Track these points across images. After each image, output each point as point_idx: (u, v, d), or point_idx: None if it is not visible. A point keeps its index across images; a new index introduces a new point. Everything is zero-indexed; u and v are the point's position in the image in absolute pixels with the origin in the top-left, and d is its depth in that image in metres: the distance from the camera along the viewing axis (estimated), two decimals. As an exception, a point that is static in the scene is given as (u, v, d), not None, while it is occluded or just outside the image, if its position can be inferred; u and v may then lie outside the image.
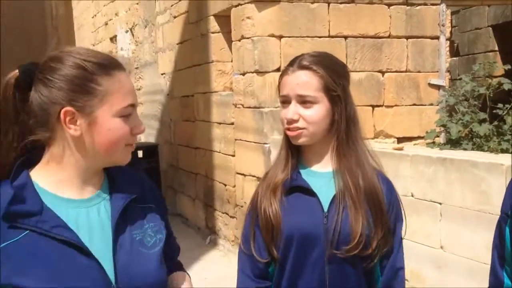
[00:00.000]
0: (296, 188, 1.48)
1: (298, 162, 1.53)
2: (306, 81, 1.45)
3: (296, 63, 1.49)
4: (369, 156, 1.51)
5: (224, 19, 5.51)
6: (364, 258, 1.43)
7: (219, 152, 5.77)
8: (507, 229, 1.35)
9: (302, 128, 1.46)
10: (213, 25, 5.74)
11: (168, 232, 1.31)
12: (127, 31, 9.14)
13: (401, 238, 1.52)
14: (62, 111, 1.12)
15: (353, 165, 1.46)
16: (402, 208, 1.54)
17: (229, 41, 5.44)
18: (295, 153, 1.54)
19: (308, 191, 1.47)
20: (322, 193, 1.46)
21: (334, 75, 1.48)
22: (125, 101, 1.16)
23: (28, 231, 1.08)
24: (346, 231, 1.42)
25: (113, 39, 10.10)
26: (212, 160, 5.94)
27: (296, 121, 1.46)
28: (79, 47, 1.22)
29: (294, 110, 1.46)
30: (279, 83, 1.52)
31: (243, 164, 5.16)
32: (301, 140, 1.48)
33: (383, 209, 1.45)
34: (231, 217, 5.56)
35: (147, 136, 8.43)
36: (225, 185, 5.66)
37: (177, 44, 6.85)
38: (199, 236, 6.25)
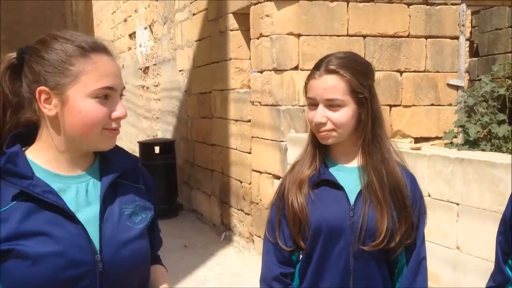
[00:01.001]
0: (324, 182, 1.54)
1: (325, 157, 1.58)
2: (333, 86, 1.48)
3: (322, 66, 1.51)
4: (393, 153, 1.55)
5: (243, 17, 5.54)
6: (387, 250, 1.49)
7: (236, 149, 5.80)
8: None
9: (331, 130, 1.51)
10: (232, 22, 5.77)
11: (154, 225, 1.34)
12: (146, 28, 9.22)
13: (424, 232, 1.57)
14: (37, 90, 1.16)
15: (378, 163, 1.50)
16: (424, 204, 1.59)
17: (248, 39, 5.47)
18: (322, 149, 1.58)
19: (335, 185, 1.52)
20: (349, 187, 1.52)
21: (360, 77, 1.51)
22: (99, 83, 1.16)
23: (16, 202, 1.12)
24: (371, 227, 1.47)
25: (132, 35, 10.19)
26: (229, 157, 5.97)
27: (325, 124, 1.51)
28: (67, 30, 1.23)
29: (322, 113, 1.50)
30: (306, 85, 1.56)
31: (259, 161, 5.18)
32: (330, 141, 1.53)
33: (407, 204, 1.50)
34: (246, 214, 5.59)
35: (164, 132, 8.50)
36: (241, 182, 5.69)
37: (196, 41, 6.90)
38: (214, 233, 6.29)
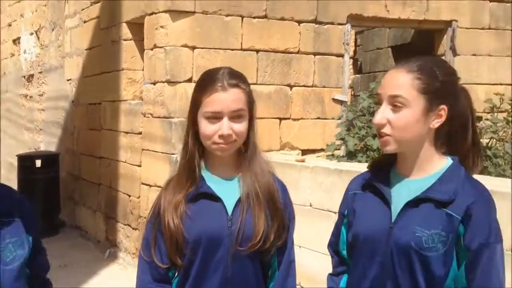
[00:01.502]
0: (202, 195, 1.56)
1: (203, 170, 1.59)
2: (238, 98, 1.55)
3: (224, 81, 1.54)
4: (265, 163, 1.62)
5: (137, 26, 5.42)
6: (262, 252, 1.55)
7: (125, 162, 5.62)
8: (343, 228, 1.52)
9: (234, 141, 1.55)
10: (125, 32, 5.62)
11: (36, 249, 1.29)
12: (32, 34, 8.68)
13: (293, 237, 1.65)
14: None
15: (254, 173, 1.57)
16: (293, 210, 1.66)
17: (141, 49, 5.35)
18: (199, 162, 1.59)
19: (214, 197, 1.56)
20: (227, 198, 1.56)
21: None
22: None
23: None
24: (249, 231, 1.52)
25: (16, 41, 9.55)
26: (117, 170, 5.77)
27: (231, 135, 1.55)
28: None
29: (227, 125, 1.55)
30: (200, 99, 1.56)
31: (149, 174, 5.06)
32: (227, 153, 1.57)
33: (279, 208, 1.58)
34: (133, 229, 5.42)
35: (48, 144, 8.00)
36: (129, 195, 5.51)
37: (86, 49, 6.61)
38: (98, 250, 6.01)
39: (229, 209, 1.54)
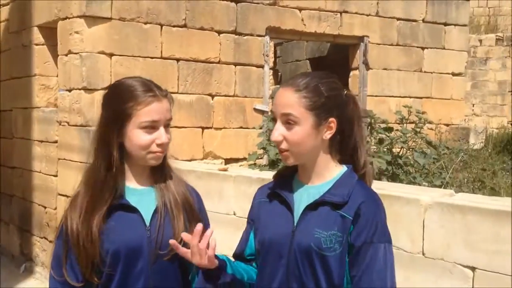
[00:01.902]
0: (119, 207, 1.55)
1: (119, 181, 1.57)
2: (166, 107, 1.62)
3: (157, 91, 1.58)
4: (175, 170, 1.67)
5: (49, 31, 5.22)
6: (182, 257, 1.55)
7: (40, 172, 5.37)
8: (252, 234, 1.60)
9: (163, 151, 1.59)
10: (37, 36, 5.39)
11: None
12: None
13: None
14: None
15: (169, 181, 1.62)
16: (207, 216, 1.72)
17: (55, 55, 5.15)
18: (114, 174, 1.56)
19: (130, 208, 1.55)
20: (144, 208, 1.57)
21: None
22: None
23: None
24: (168, 233, 1.54)
25: None
26: (31, 180, 5.50)
27: (163, 145, 1.60)
28: None
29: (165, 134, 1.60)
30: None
31: (66, 185, 4.87)
32: (156, 161, 1.60)
33: (195, 210, 1.64)
34: (50, 242, 5.18)
35: (-46, 153, 7.44)
36: (45, 207, 5.27)
37: (-6, 53, 6.25)
38: (13, 265, 5.71)
39: (147, 219, 1.55)
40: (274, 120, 1.48)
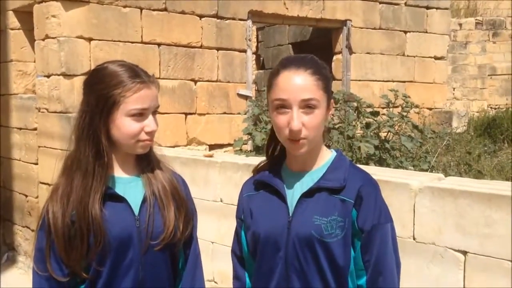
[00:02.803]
0: (106, 197, 1.49)
1: (112, 171, 1.53)
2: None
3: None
4: (160, 158, 1.62)
5: (25, 15, 5.06)
6: (173, 245, 1.54)
7: (19, 160, 5.25)
8: (242, 233, 1.54)
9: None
10: (12, 20, 5.23)
11: None
12: None
13: (197, 231, 1.67)
14: None
15: (158, 167, 1.58)
16: (193, 203, 1.68)
17: (32, 40, 5.01)
18: (102, 163, 1.50)
19: (117, 198, 1.50)
20: (131, 197, 1.51)
21: None
22: None
23: None
24: (159, 223, 1.51)
25: None
26: (11, 169, 5.38)
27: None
28: None
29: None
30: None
31: (47, 173, 4.77)
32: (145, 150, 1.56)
33: (183, 197, 1.60)
34: (32, 230, 5.09)
35: None
36: (26, 196, 5.17)
37: (-32, 38, 6.05)
38: (-5, 255, 5.60)
39: (135, 209, 1.51)
40: (283, 107, 1.38)
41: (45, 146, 4.81)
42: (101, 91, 1.46)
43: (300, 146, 1.40)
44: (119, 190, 1.51)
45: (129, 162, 1.55)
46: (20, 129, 5.22)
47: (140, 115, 1.47)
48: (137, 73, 1.49)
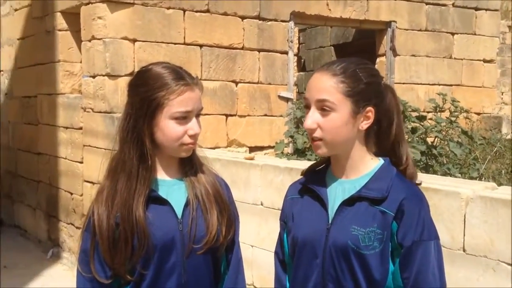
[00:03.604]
0: (149, 199, 1.49)
1: (152, 172, 1.51)
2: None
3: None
4: (203, 160, 1.61)
5: (73, 16, 5.18)
6: (216, 249, 1.53)
7: (65, 158, 5.39)
8: (285, 236, 1.52)
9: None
10: (60, 22, 5.36)
11: None
12: (-43, 20, 8.10)
13: (239, 235, 1.65)
14: None
15: (201, 171, 1.56)
16: (236, 207, 1.66)
17: (78, 41, 5.13)
18: (147, 166, 1.50)
19: (162, 201, 1.50)
20: (174, 200, 1.51)
21: None
22: None
23: None
24: (202, 227, 1.50)
25: None
26: (57, 166, 5.52)
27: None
28: None
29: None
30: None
31: (92, 172, 4.87)
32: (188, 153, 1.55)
33: (226, 201, 1.58)
34: (77, 228, 5.21)
35: (-20, 139, 7.54)
36: (71, 193, 5.30)
37: (18, 39, 6.26)
38: (40, 250, 5.76)
39: (178, 212, 1.50)
40: (306, 107, 1.40)
41: (89, 145, 4.91)
42: (145, 93, 1.46)
43: (316, 146, 1.39)
44: (162, 193, 1.50)
45: (172, 165, 1.54)
46: (67, 128, 5.35)
47: (184, 118, 1.46)
48: (181, 76, 1.47)
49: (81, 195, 5.10)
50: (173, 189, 1.52)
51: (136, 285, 1.48)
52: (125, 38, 4.63)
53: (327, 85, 1.35)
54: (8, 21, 6.54)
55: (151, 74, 1.48)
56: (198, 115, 1.50)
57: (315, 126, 1.36)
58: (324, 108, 1.35)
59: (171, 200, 1.50)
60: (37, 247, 5.87)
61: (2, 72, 6.81)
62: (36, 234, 6.06)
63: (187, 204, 1.51)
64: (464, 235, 2.12)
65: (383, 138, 1.44)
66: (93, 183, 4.85)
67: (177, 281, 1.48)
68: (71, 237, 5.36)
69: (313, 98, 1.37)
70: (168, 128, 1.45)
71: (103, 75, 4.65)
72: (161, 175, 1.53)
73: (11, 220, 6.69)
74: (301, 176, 1.53)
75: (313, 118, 1.36)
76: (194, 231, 1.48)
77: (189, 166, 1.55)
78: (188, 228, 1.48)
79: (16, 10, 6.28)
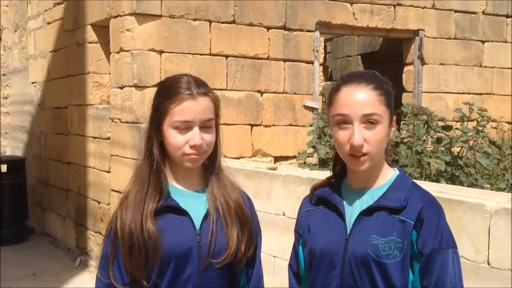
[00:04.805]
0: (168, 209, 1.49)
1: (168, 183, 1.52)
2: (206, 107, 1.55)
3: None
4: (228, 174, 1.60)
5: (102, 29, 5.30)
6: (233, 264, 1.51)
7: (94, 168, 5.49)
8: (300, 248, 1.52)
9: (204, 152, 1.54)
10: (90, 34, 5.49)
11: None
12: (-6, 34, 8.40)
13: (260, 251, 1.63)
14: None
15: (223, 183, 1.55)
16: (258, 223, 1.64)
17: (108, 53, 5.24)
18: (164, 175, 1.52)
19: (180, 211, 1.49)
20: (194, 211, 1.50)
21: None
22: None
23: None
24: (221, 242, 1.49)
25: (-23, 42, 9.23)
26: (86, 176, 5.63)
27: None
28: None
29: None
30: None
31: (119, 181, 4.95)
32: (195, 165, 1.53)
33: (248, 217, 1.56)
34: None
35: (14, 149, 7.77)
36: (99, 202, 5.39)
37: (51, 52, 6.44)
38: (69, 258, 5.87)
39: (197, 223, 1.49)
40: (344, 123, 1.37)
41: (117, 155, 4.99)
42: (156, 101, 1.52)
43: (362, 162, 1.37)
44: (181, 202, 1.50)
45: (192, 175, 1.54)
46: (95, 138, 5.46)
47: (185, 127, 1.46)
48: (188, 85, 1.48)
49: (108, 204, 5.18)
50: (193, 200, 1.52)
51: None
52: (152, 50, 4.70)
53: (372, 99, 1.36)
54: (41, 34, 6.74)
55: (164, 84, 1.54)
56: (205, 126, 1.47)
57: (363, 141, 1.36)
58: (371, 121, 1.35)
59: (190, 210, 1.50)
60: (66, 255, 5.98)
61: (35, 84, 7.01)
62: (66, 242, 6.18)
63: (206, 216, 1.50)
64: (488, 247, 2.06)
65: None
66: (120, 192, 4.92)
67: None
68: (98, 246, 5.44)
69: (357, 113, 1.35)
70: (170, 137, 1.47)
71: (131, 86, 4.73)
72: (181, 184, 1.53)
73: (42, 228, 6.84)
74: (310, 192, 1.53)
75: (362, 134, 1.35)
76: (214, 245, 1.47)
77: (210, 176, 1.54)
78: (206, 240, 1.48)
79: (48, 23, 6.47)
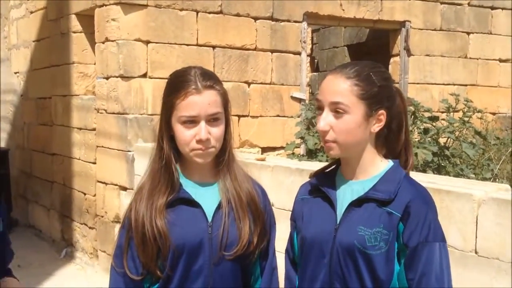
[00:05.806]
0: (180, 200, 1.50)
1: (180, 175, 1.53)
2: (214, 100, 1.50)
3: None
4: (242, 167, 1.59)
5: (87, 18, 5.23)
6: (245, 257, 1.51)
7: (79, 159, 5.44)
8: (295, 235, 1.54)
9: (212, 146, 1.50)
10: (75, 24, 5.42)
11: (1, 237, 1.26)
12: (-26, 23, 8.23)
13: (274, 244, 1.63)
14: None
15: (234, 177, 1.53)
16: (273, 214, 1.64)
17: (92, 42, 5.17)
18: (176, 167, 1.52)
19: (192, 203, 1.50)
20: (206, 203, 1.51)
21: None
22: None
23: None
24: (233, 234, 1.49)
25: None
26: (71, 167, 5.57)
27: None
28: None
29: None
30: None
31: (104, 172, 4.91)
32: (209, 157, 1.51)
33: (260, 210, 1.55)
34: (90, 228, 5.25)
35: (-4, 140, 7.65)
36: (85, 194, 5.34)
37: (34, 41, 6.34)
38: (54, 250, 5.83)
39: (209, 215, 1.49)
40: (319, 109, 1.41)
41: (103, 146, 4.95)
42: (164, 97, 1.51)
43: (329, 148, 1.41)
44: (193, 194, 1.50)
45: (204, 168, 1.53)
46: (80, 129, 5.40)
47: (191, 122, 1.45)
48: (193, 79, 1.46)
49: (94, 195, 5.15)
50: (205, 192, 1.52)
51: (163, 286, 1.49)
52: (138, 40, 4.65)
53: (341, 88, 1.37)
54: (24, 24, 6.62)
55: (171, 77, 1.53)
56: (212, 120, 1.46)
57: (328, 128, 1.38)
58: (337, 110, 1.37)
59: (202, 202, 1.50)
60: (51, 247, 5.93)
61: (18, 74, 6.90)
62: (50, 234, 6.13)
63: (218, 208, 1.50)
64: (476, 237, 2.09)
65: (392, 140, 1.47)
66: (105, 183, 4.89)
67: (203, 284, 1.48)
68: (84, 237, 5.40)
69: (326, 100, 1.39)
70: (178, 132, 1.47)
71: (117, 77, 4.68)
72: (192, 177, 1.53)
73: (26, 220, 6.77)
74: (310, 178, 1.54)
75: (326, 120, 1.38)
76: (226, 238, 1.47)
77: (223, 169, 1.53)
78: (217, 232, 1.48)
79: (31, 12, 6.36)
